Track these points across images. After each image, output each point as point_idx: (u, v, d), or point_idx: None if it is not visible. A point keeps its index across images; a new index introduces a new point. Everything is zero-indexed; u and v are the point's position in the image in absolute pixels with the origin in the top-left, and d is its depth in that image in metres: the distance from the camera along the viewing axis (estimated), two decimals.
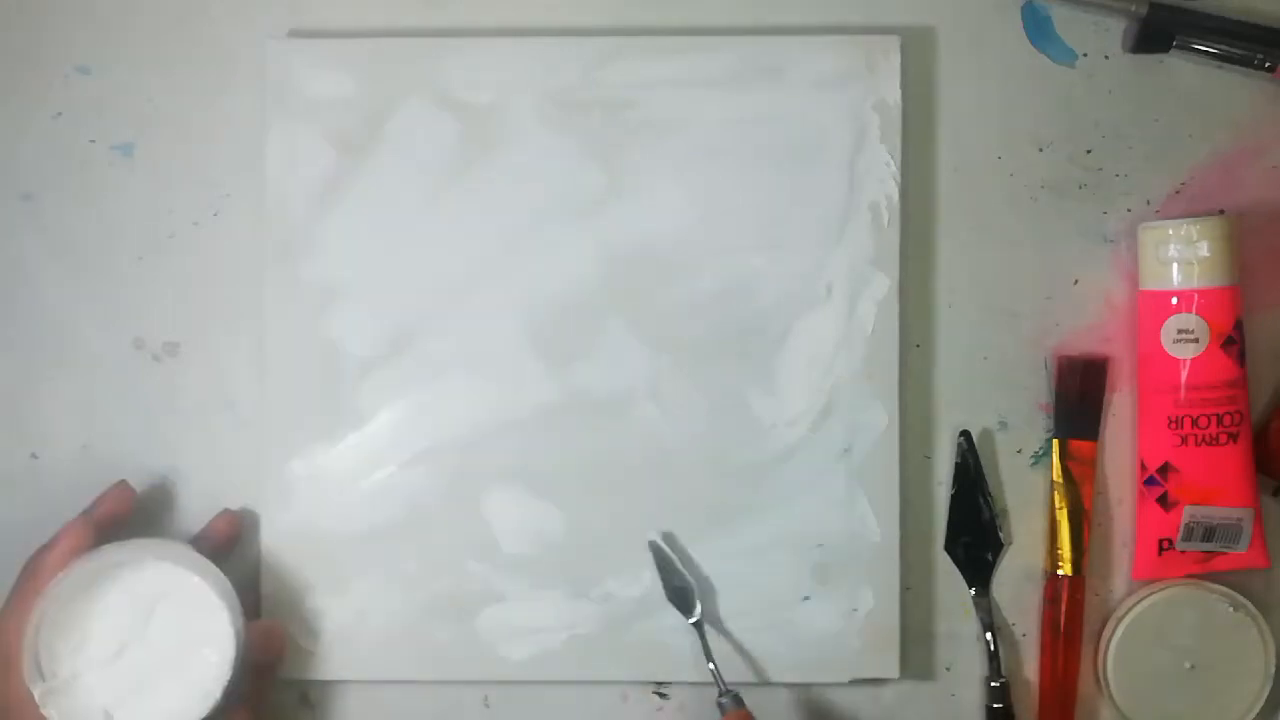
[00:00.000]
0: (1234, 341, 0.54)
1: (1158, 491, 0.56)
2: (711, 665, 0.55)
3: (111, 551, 0.52)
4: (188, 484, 0.57)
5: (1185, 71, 0.57)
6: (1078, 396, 0.57)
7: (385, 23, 0.58)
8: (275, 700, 0.57)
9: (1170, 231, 0.55)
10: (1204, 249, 0.54)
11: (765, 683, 0.56)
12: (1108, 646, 0.56)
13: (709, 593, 0.56)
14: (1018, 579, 0.58)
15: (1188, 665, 0.56)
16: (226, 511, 0.57)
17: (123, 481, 0.56)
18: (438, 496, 0.56)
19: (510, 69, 0.56)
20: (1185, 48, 0.56)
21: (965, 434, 0.57)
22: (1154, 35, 0.56)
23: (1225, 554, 0.56)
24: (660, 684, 0.57)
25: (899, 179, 0.56)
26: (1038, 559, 0.58)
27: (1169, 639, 0.56)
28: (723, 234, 0.56)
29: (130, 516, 0.56)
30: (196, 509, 0.57)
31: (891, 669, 0.56)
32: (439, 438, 0.56)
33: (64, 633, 0.51)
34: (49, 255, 0.58)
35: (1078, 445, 0.57)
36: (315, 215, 0.56)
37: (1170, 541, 0.56)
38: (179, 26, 0.58)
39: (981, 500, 0.57)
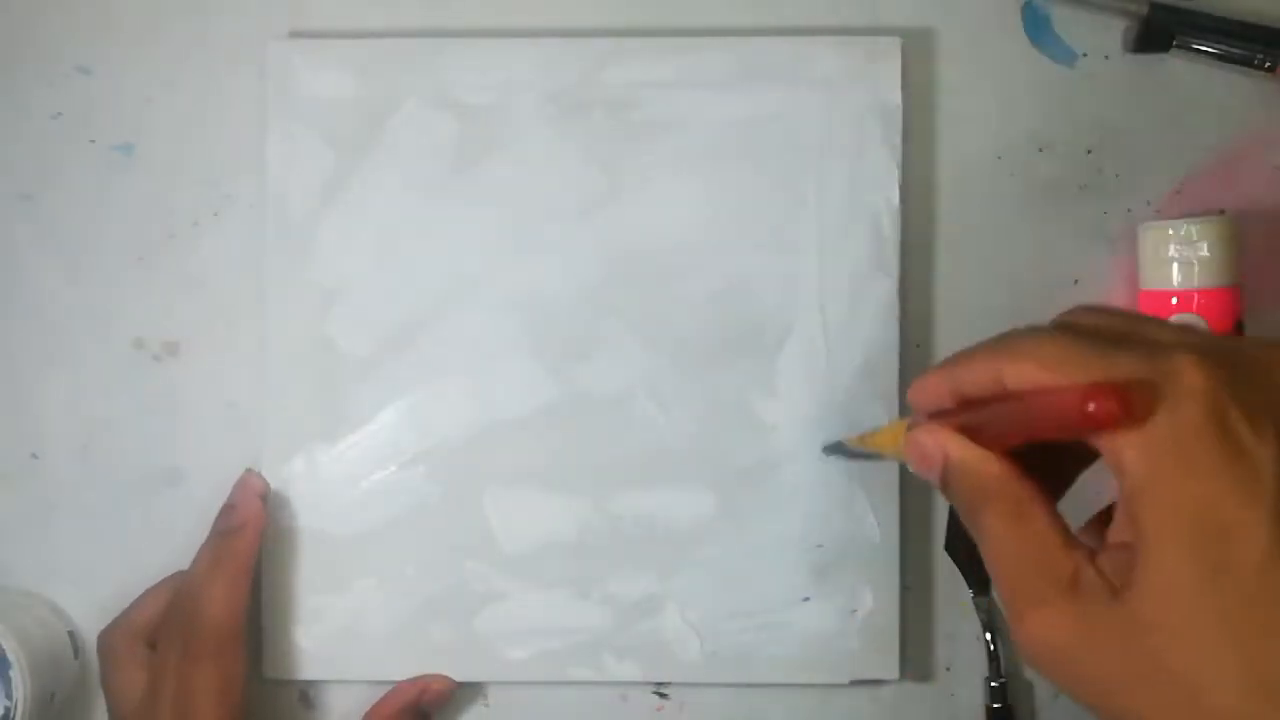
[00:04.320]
0: None
1: None
2: None
3: None
4: (188, 484, 0.58)
5: (1185, 71, 0.57)
6: None
7: (385, 23, 0.58)
8: (275, 700, 0.57)
9: (1170, 231, 0.54)
10: (1204, 249, 0.54)
11: (764, 684, 0.56)
12: None
13: (708, 592, 0.56)
14: None
15: None
16: (249, 472, 0.57)
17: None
18: (438, 496, 0.56)
19: (510, 69, 0.56)
20: (1185, 48, 0.56)
21: None
22: (1154, 35, 0.56)
23: None
24: (660, 684, 0.57)
25: (899, 180, 0.56)
26: None
27: None
28: (723, 234, 0.56)
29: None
30: (196, 509, 0.57)
31: (891, 670, 0.56)
32: (439, 438, 0.56)
33: None
34: (49, 255, 0.58)
35: None
36: (315, 215, 0.56)
37: None
38: (179, 26, 0.58)
39: None
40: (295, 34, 0.57)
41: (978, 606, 0.57)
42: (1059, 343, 0.36)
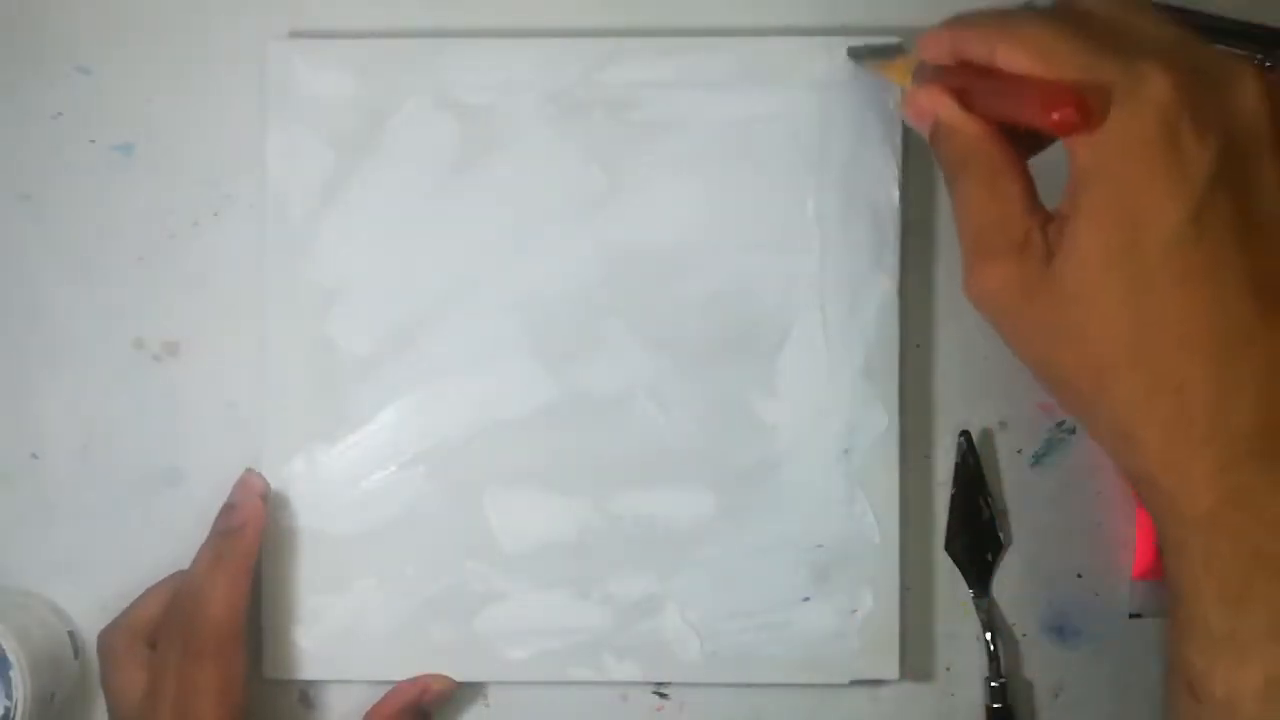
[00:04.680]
0: None
1: None
2: None
3: None
4: (187, 484, 0.58)
5: None
6: None
7: (385, 23, 0.58)
8: (275, 700, 0.57)
9: None
10: None
11: (764, 684, 0.56)
12: None
13: (708, 592, 0.56)
14: (1018, 579, 0.58)
15: None
16: (249, 471, 0.56)
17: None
18: (438, 496, 0.56)
19: (510, 69, 0.56)
20: None
21: (965, 434, 0.57)
22: None
23: None
24: (660, 684, 0.57)
25: (899, 179, 0.56)
26: (1037, 559, 0.58)
27: None
28: (723, 234, 0.56)
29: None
30: (196, 509, 0.57)
31: (891, 670, 0.56)
32: (439, 437, 0.56)
33: None
34: (49, 255, 0.58)
35: None
36: (315, 215, 0.56)
37: None
38: (179, 26, 0.58)
39: (981, 500, 0.57)
40: (295, 34, 0.57)
41: (978, 606, 0.57)
42: (1051, 34, 0.39)
